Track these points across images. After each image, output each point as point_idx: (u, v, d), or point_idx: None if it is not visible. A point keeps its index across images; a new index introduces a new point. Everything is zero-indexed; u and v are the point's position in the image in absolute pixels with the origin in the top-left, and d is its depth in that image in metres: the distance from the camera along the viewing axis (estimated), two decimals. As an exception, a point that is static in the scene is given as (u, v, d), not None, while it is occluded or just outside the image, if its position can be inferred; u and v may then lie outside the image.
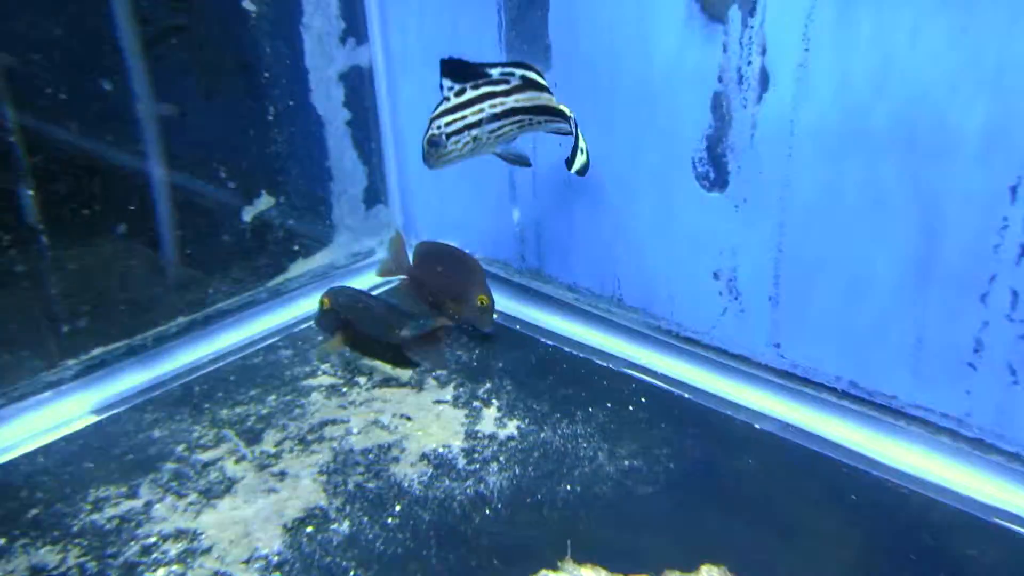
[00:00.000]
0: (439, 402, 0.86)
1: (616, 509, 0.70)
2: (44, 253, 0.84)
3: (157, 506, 0.71)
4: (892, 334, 0.76)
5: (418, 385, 0.89)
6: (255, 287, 1.04)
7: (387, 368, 0.90)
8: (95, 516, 0.70)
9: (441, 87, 0.78)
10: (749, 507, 0.71)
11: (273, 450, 0.78)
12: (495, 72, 0.78)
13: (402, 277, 0.99)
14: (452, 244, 1.00)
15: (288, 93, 1.02)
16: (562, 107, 0.81)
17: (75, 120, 0.84)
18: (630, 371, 0.91)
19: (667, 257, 0.91)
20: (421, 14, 1.03)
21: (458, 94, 0.78)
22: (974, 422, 0.74)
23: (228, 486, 0.73)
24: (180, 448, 0.79)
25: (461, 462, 0.76)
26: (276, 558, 0.65)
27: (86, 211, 0.87)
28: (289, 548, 0.66)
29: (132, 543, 0.67)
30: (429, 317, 0.89)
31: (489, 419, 0.83)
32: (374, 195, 1.15)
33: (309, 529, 0.68)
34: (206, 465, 0.76)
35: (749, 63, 0.77)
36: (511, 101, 0.79)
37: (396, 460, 0.76)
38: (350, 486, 0.73)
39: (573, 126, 0.80)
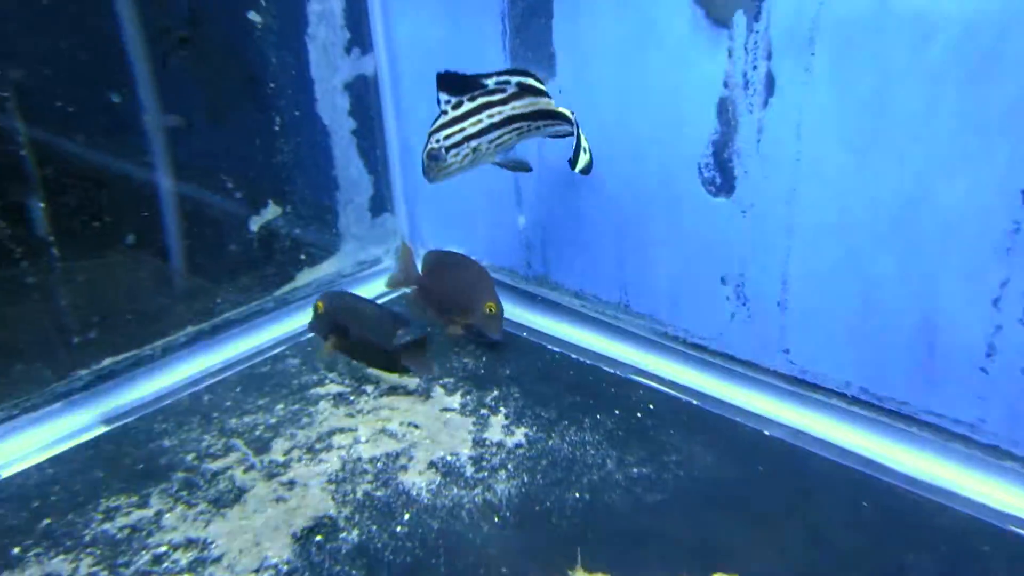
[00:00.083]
0: (447, 410, 0.86)
1: (625, 517, 0.70)
2: (54, 265, 0.85)
3: (167, 515, 0.71)
4: (903, 339, 0.75)
5: (426, 393, 0.89)
6: (262, 296, 1.05)
7: (393, 376, 0.90)
8: (106, 525, 0.70)
9: (438, 101, 0.79)
10: (759, 515, 0.70)
11: (282, 459, 0.78)
12: (491, 82, 0.79)
13: (412, 287, 0.99)
14: (460, 252, 1.01)
15: (294, 103, 1.03)
16: (561, 109, 0.81)
17: (84, 133, 0.85)
18: (638, 378, 0.91)
19: (674, 263, 0.90)
20: (425, 23, 1.03)
21: (455, 107, 0.78)
22: (988, 428, 0.73)
23: (237, 495, 0.73)
24: (190, 457, 0.79)
25: (469, 470, 0.76)
26: (285, 567, 0.65)
27: (95, 223, 0.88)
28: (298, 557, 0.66)
29: (143, 552, 0.67)
30: (423, 324, 0.88)
31: (497, 427, 0.82)
32: (380, 204, 1.16)
33: (318, 538, 0.68)
34: (215, 474, 0.76)
35: (755, 68, 0.76)
36: (508, 109, 0.79)
37: (404, 468, 0.76)
38: (359, 495, 0.73)
39: (575, 126, 0.80)
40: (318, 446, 0.80)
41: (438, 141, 0.78)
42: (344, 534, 0.69)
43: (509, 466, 0.76)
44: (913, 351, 0.75)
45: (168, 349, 0.95)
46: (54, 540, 0.69)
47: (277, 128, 1.02)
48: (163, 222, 0.94)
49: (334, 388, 0.90)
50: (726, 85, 0.79)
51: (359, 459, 0.78)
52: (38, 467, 0.79)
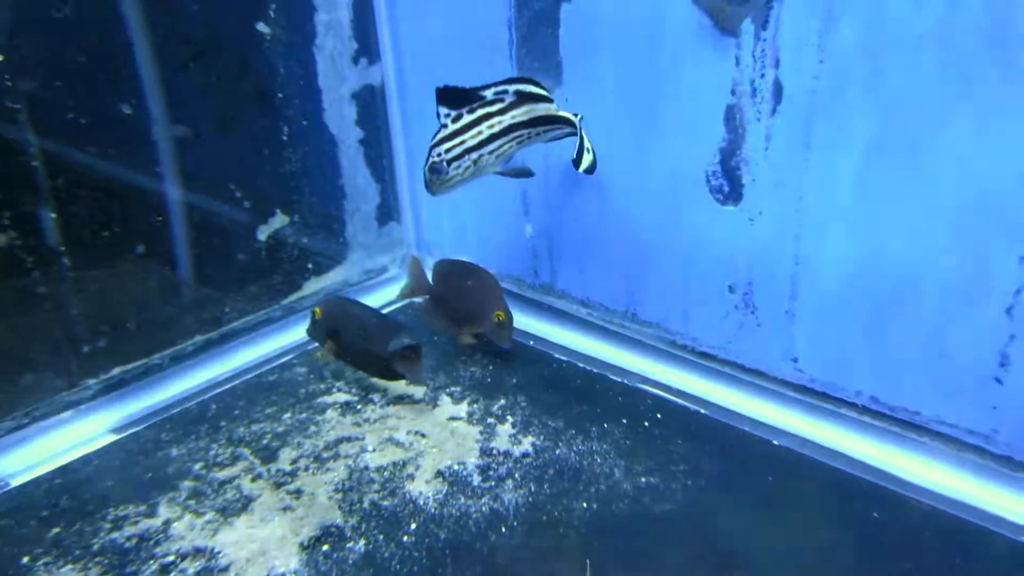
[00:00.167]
0: (453, 419, 0.85)
1: (633, 527, 0.69)
2: (65, 274, 0.85)
3: (175, 524, 0.71)
4: (914, 348, 0.74)
5: (432, 402, 0.89)
6: (270, 305, 1.05)
7: (399, 384, 0.90)
8: (115, 535, 0.70)
9: (438, 115, 0.80)
10: (768, 525, 0.69)
11: (289, 468, 0.78)
12: (489, 93, 0.80)
13: (424, 297, 1.00)
14: (469, 261, 1.01)
15: (301, 113, 1.04)
16: (562, 113, 0.82)
17: (95, 144, 0.86)
18: (645, 386, 0.91)
19: (682, 271, 0.90)
20: (432, 32, 1.04)
21: (455, 120, 0.79)
22: (1001, 439, 0.72)
23: (245, 504, 0.73)
24: (197, 466, 0.79)
25: (476, 479, 0.76)
26: (292, 577, 0.65)
27: (105, 232, 0.89)
28: (305, 566, 0.66)
29: (151, 561, 0.67)
30: (422, 332, 0.88)
31: (504, 436, 0.82)
32: (387, 213, 1.16)
33: (325, 547, 0.68)
34: (223, 483, 0.76)
35: (762, 76, 0.76)
36: (508, 118, 0.80)
37: (411, 477, 0.76)
38: (365, 504, 0.73)
39: (578, 127, 0.81)
40: (325, 455, 0.80)
41: (439, 155, 0.80)
42: (351, 543, 0.68)
43: (516, 475, 0.76)
44: (925, 360, 0.74)
45: (176, 358, 0.95)
46: (63, 549, 0.69)
47: (285, 138, 1.03)
48: (172, 232, 0.95)
49: (341, 397, 0.90)
50: (733, 93, 0.79)
51: (366, 468, 0.78)
52: (47, 476, 0.79)
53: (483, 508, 0.72)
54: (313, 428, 0.85)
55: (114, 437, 0.85)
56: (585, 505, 0.72)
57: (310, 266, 1.09)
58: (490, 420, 0.85)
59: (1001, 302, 0.68)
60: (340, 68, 1.05)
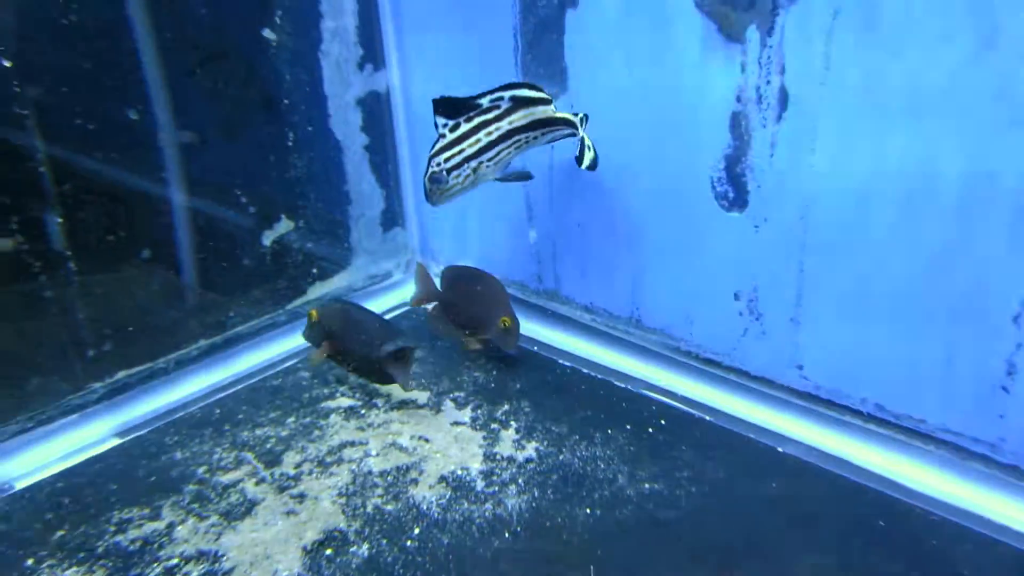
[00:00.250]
0: (457, 424, 0.85)
1: (637, 533, 0.69)
2: (71, 279, 0.86)
3: (179, 528, 0.71)
4: (920, 355, 0.74)
5: (436, 407, 0.89)
6: (274, 310, 1.05)
7: (402, 390, 0.90)
8: (119, 538, 0.71)
9: (436, 125, 0.80)
10: (773, 533, 0.69)
11: (293, 472, 0.78)
12: (485, 101, 0.81)
13: (432, 304, 1.00)
14: (476, 267, 1.01)
15: (307, 119, 1.04)
16: (560, 114, 0.82)
17: (101, 149, 0.86)
18: (649, 393, 0.90)
19: (686, 277, 0.90)
20: (437, 39, 1.04)
21: (453, 129, 0.80)
22: (1008, 448, 0.71)
23: (248, 508, 0.73)
24: (201, 470, 0.79)
25: (480, 484, 0.76)
26: (295, 582, 0.65)
27: (111, 237, 0.89)
28: (309, 571, 0.66)
29: (155, 565, 0.67)
30: (420, 336, 0.88)
31: (507, 441, 0.82)
32: (391, 218, 1.17)
33: (328, 552, 0.68)
34: (227, 487, 0.76)
35: (768, 82, 0.76)
36: (505, 125, 0.81)
37: (415, 482, 0.76)
38: (369, 508, 0.73)
39: (579, 127, 0.82)
40: (329, 459, 0.80)
41: (439, 164, 0.80)
42: (354, 548, 0.68)
43: (520, 481, 0.76)
44: (931, 368, 0.74)
45: (181, 362, 0.96)
46: (67, 552, 0.69)
47: (290, 143, 1.03)
48: (177, 237, 0.95)
49: (345, 402, 0.91)
50: (739, 99, 0.79)
51: (369, 473, 0.78)
52: (52, 479, 0.80)
53: (486, 513, 0.72)
54: (317, 432, 0.85)
55: (118, 440, 0.86)
56: (589, 511, 0.72)
57: (315, 271, 1.10)
58: (494, 425, 0.85)
59: (1008, 310, 0.68)
60: (346, 74, 1.06)
